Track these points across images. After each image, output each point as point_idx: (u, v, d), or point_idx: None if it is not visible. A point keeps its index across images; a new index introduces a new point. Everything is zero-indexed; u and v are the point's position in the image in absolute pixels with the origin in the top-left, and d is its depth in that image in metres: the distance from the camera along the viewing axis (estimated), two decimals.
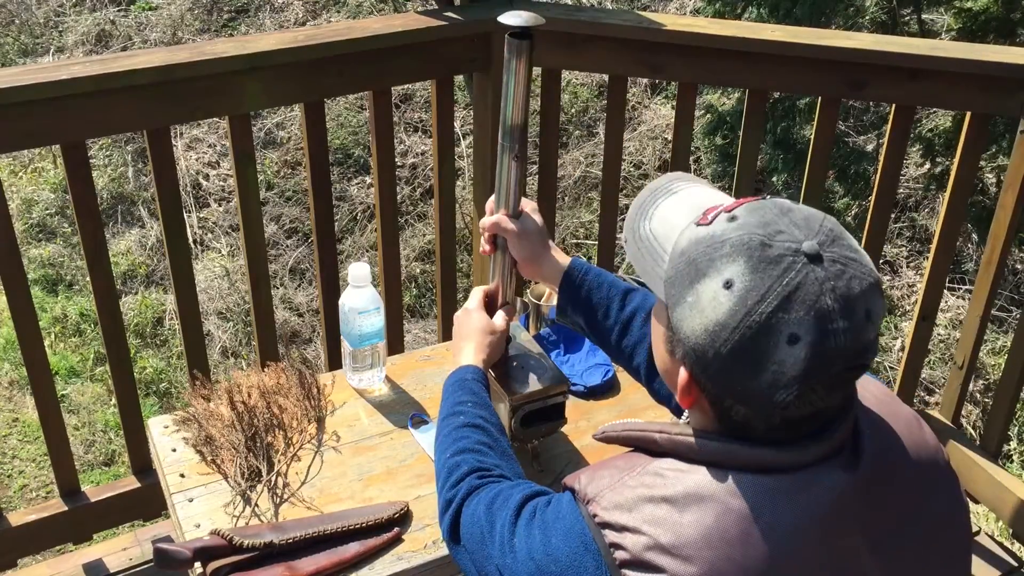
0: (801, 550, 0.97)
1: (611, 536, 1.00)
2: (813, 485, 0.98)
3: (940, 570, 1.07)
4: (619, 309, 1.47)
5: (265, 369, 1.86)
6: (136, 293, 5.12)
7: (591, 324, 1.49)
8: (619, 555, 0.98)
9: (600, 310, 1.47)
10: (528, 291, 2.04)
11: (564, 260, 1.51)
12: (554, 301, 2.00)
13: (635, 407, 1.84)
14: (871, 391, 1.10)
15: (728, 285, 0.94)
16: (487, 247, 1.56)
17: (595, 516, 1.02)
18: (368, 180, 5.66)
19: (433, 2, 2.43)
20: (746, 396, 0.96)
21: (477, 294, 1.60)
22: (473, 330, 1.55)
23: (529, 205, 1.53)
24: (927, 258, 2.51)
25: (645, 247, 1.09)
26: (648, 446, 1.07)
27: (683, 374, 1.01)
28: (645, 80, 5.94)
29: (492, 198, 1.53)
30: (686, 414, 1.13)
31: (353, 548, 1.48)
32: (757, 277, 0.94)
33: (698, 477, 0.99)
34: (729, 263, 0.95)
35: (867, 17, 5.10)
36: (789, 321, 0.92)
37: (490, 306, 1.61)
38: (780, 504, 0.97)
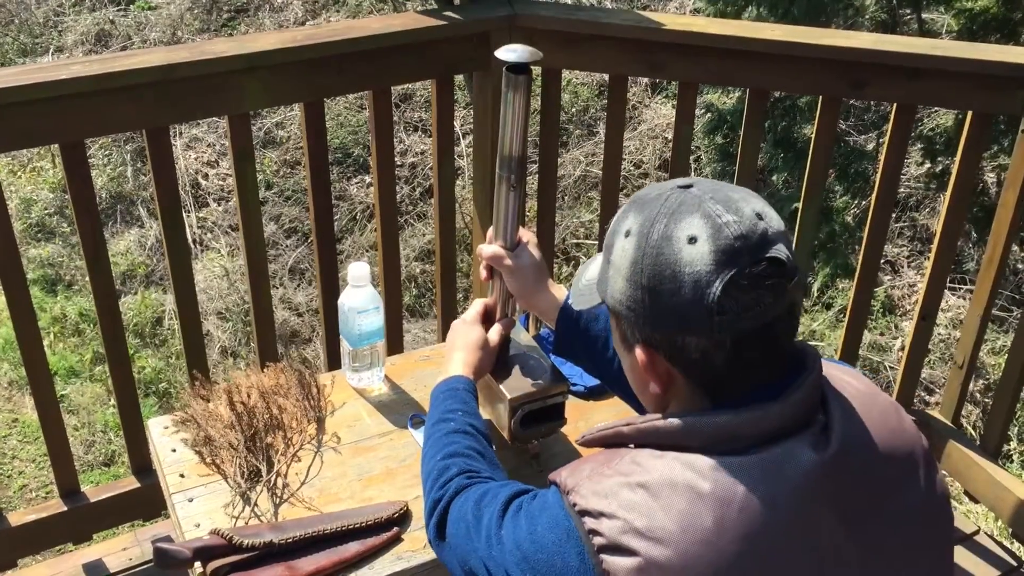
0: (774, 531, 0.99)
1: (589, 523, 1.03)
2: (784, 465, 1.01)
3: (919, 555, 1.09)
4: None
5: (265, 369, 1.86)
6: (136, 293, 5.12)
7: (591, 356, 1.52)
8: (597, 540, 1.01)
9: (599, 341, 1.49)
10: None
11: (560, 295, 1.54)
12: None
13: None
14: (850, 381, 1.13)
15: (627, 234, 1.06)
16: (485, 273, 1.60)
17: (575, 505, 1.05)
18: (368, 180, 5.65)
19: (433, 2, 2.42)
20: (684, 316, 1.01)
21: (477, 307, 1.63)
22: (467, 342, 1.58)
23: (528, 238, 1.57)
24: (928, 258, 2.51)
25: (584, 288, 1.23)
26: (619, 440, 1.11)
27: (639, 353, 1.07)
28: (645, 80, 5.94)
29: (492, 228, 1.57)
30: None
31: (353, 548, 1.48)
32: (645, 213, 1.06)
33: (671, 463, 1.02)
34: (623, 221, 1.09)
35: (867, 16, 5.10)
36: (682, 227, 1.02)
37: (488, 319, 1.64)
38: (751, 485, 1.00)
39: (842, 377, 1.13)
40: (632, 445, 1.10)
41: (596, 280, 1.17)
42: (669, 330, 1.03)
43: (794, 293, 1.04)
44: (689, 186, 1.06)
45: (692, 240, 1.01)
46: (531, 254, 1.55)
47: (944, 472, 2.67)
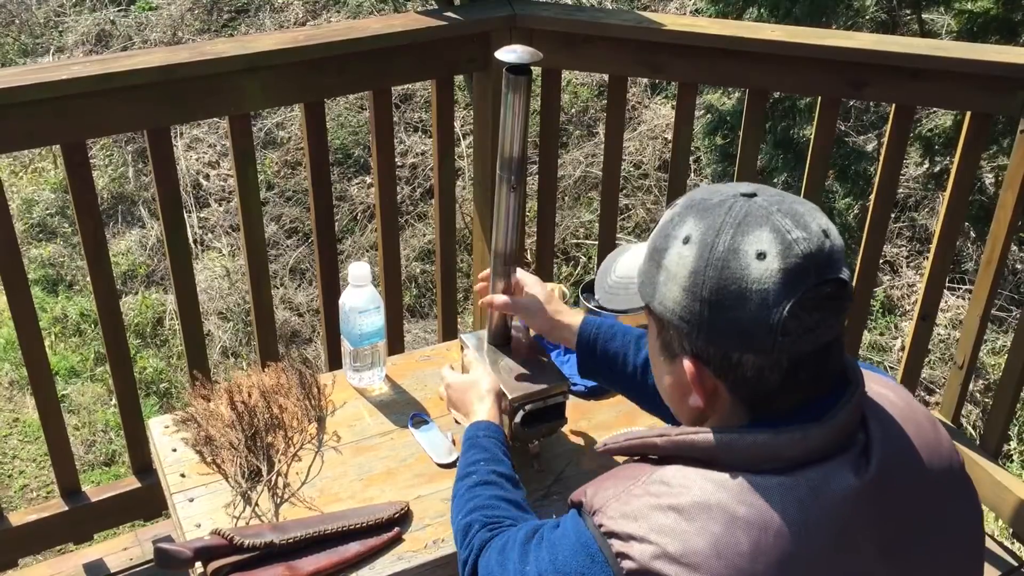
0: (810, 558, 0.96)
1: (617, 545, 0.99)
2: (822, 489, 0.98)
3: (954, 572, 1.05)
4: (635, 352, 1.49)
5: (265, 369, 1.86)
6: (136, 293, 5.12)
7: (613, 374, 1.51)
8: (626, 564, 0.97)
9: (618, 359, 1.49)
10: None
11: (575, 321, 1.54)
12: None
13: (636, 408, 1.84)
14: (887, 395, 1.09)
15: (687, 240, 1.01)
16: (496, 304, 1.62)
17: (601, 526, 1.01)
18: (368, 180, 5.66)
19: (433, 2, 2.43)
20: (745, 333, 0.97)
21: (444, 369, 1.66)
22: (479, 390, 1.57)
23: (529, 280, 1.58)
24: (927, 258, 2.51)
25: (615, 287, 1.19)
26: (650, 452, 1.06)
27: (687, 364, 1.02)
28: (645, 80, 5.93)
29: (489, 268, 1.59)
30: None
31: (353, 548, 1.48)
32: (707, 220, 1.00)
33: (704, 484, 0.98)
34: (681, 226, 1.02)
35: (867, 17, 5.10)
36: (750, 240, 0.97)
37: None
38: (788, 510, 0.96)
39: (880, 391, 1.09)
40: (655, 457, 1.06)
41: (633, 279, 1.11)
42: (726, 346, 0.99)
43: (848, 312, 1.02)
44: (753, 194, 1.01)
45: (761, 256, 0.96)
46: (535, 297, 1.57)
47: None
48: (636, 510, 0.99)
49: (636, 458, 1.10)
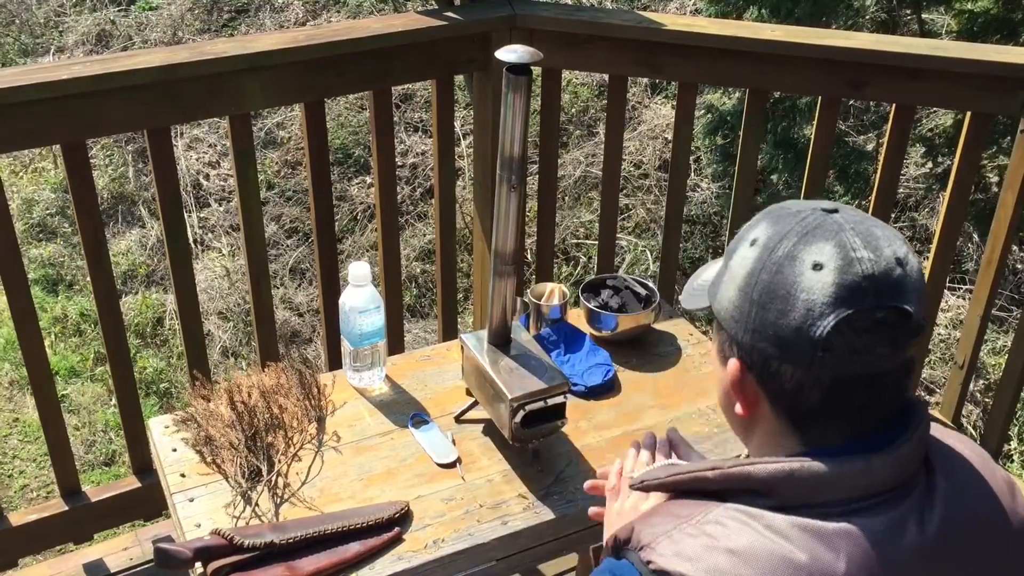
0: None
1: None
2: (885, 539, 0.93)
3: None
4: None
5: (265, 369, 1.86)
6: (136, 293, 5.12)
7: None
8: None
9: None
10: (528, 291, 2.04)
11: None
12: (554, 301, 2.01)
13: (636, 408, 1.84)
14: (960, 450, 1.04)
15: (754, 242, 0.99)
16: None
17: (650, 563, 0.95)
18: (368, 180, 5.65)
19: (433, 2, 2.43)
20: (785, 341, 0.94)
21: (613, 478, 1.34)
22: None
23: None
24: (927, 258, 2.51)
25: (697, 288, 1.13)
26: (701, 486, 1.02)
27: (731, 364, 1.00)
28: (645, 80, 5.93)
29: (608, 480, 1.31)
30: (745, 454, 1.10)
31: (353, 548, 1.48)
32: (777, 226, 0.98)
33: (764, 527, 0.94)
34: (753, 229, 1.00)
35: (867, 17, 5.10)
36: (811, 251, 0.94)
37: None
38: (850, 560, 0.92)
39: (952, 445, 1.04)
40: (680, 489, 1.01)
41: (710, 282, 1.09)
42: (767, 352, 0.96)
43: (912, 350, 0.97)
44: (834, 211, 0.98)
45: (817, 266, 0.93)
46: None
47: None
48: (691, 550, 0.94)
49: (673, 495, 1.05)
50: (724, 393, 1.05)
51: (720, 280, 1.03)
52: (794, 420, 0.98)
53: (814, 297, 0.93)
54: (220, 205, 5.66)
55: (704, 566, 0.92)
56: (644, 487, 1.09)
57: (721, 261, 1.10)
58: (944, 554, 0.96)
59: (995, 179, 4.74)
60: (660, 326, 2.07)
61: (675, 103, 2.48)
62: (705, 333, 2.18)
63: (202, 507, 1.58)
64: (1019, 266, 4.86)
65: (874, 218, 0.99)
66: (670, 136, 4.99)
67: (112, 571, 2.37)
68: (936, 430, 1.04)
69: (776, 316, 0.94)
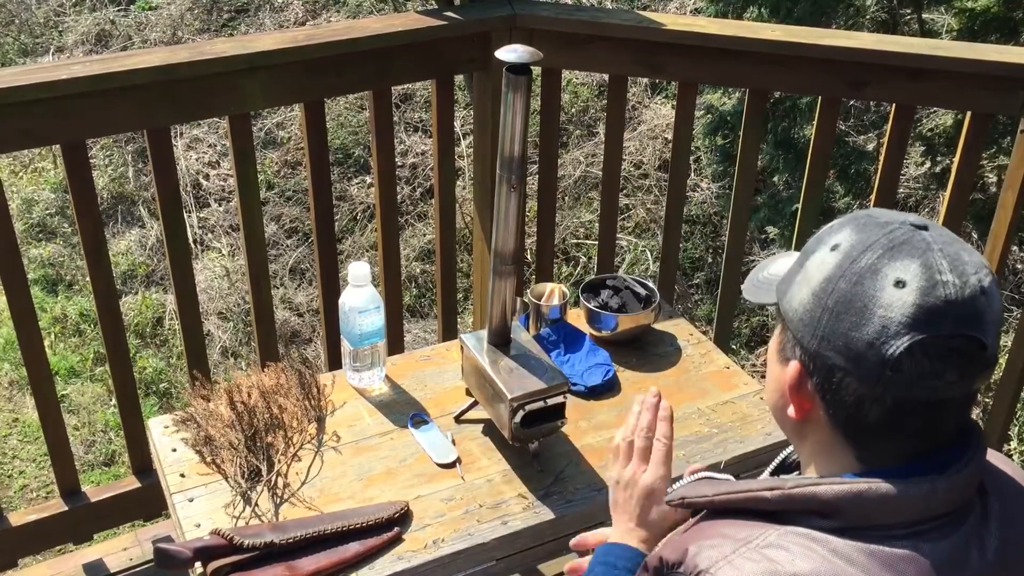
0: None
1: None
2: (945, 567, 0.92)
3: None
4: None
5: (265, 369, 1.86)
6: (136, 293, 5.11)
7: None
8: None
9: None
10: (528, 291, 2.04)
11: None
12: (554, 301, 2.01)
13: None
14: (1007, 473, 1.03)
15: (835, 247, 0.96)
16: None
17: None
18: (368, 180, 5.65)
19: (433, 2, 2.43)
20: (855, 355, 0.92)
21: (622, 450, 1.31)
22: (629, 498, 1.26)
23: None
24: None
25: (762, 282, 1.10)
26: (757, 507, 0.98)
27: (792, 367, 0.97)
28: (645, 80, 5.93)
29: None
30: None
31: (353, 548, 1.48)
32: (862, 235, 0.95)
33: (828, 553, 0.92)
34: (836, 233, 0.97)
35: (867, 17, 5.10)
36: (895, 267, 0.92)
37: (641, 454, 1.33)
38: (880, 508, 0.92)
39: (1000, 467, 1.03)
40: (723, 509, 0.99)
41: (779, 277, 1.07)
42: (833, 361, 0.94)
43: (981, 383, 0.95)
44: (924, 227, 0.95)
45: (900, 284, 0.91)
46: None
47: None
48: (752, 574, 0.91)
49: (716, 515, 1.02)
50: (779, 393, 1.03)
51: (792, 279, 1.00)
52: (849, 433, 0.97)
53: (892, 315, 0.90)
54: (220, 205, 5.66)
55: None
56: (686, 504, 1.05)
57: (791, 256, 1.08)
58: (1006, 574, 0.95)
59: (995, 179, 4.74)
60: (660, 326, 2.07)
61: (675, 103, 2.48)
62: (705, 333, 2.18)
63: (202, 507, 1.58)
64: (1019, 266, 4.86)
65: (964, 242, 0.96)
66: (670, 136, 4.99)
67: (112, 571, 2.37)
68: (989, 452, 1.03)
69: (849, 327, 0.92)
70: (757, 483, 0.99)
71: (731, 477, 1.11)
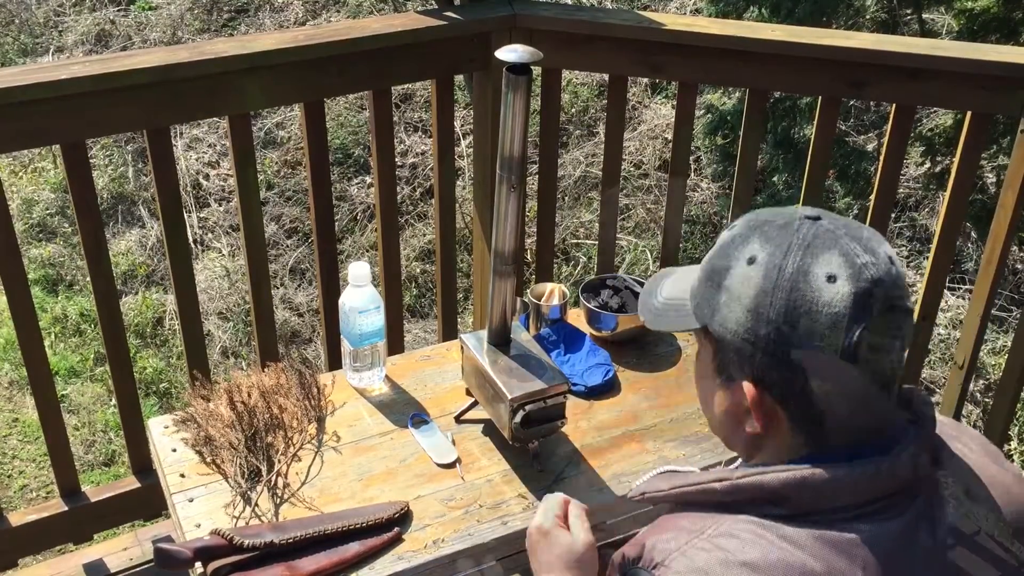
0: None
1: None
2: (897, 546, 0.94)
3: None
4: None
5: (265, 369, 1.86)
6: (136, 293, 5.11)
7: None
8: None
9: None
10: (528, 291, 2.04)
11: None
12: (554, 301, 2.01)
13: (636, 408, 1.84)
14: (970, 447, 1.05)
15: (751, 261, 0.98)
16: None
17: None
18: (368, 180, 5.65)
19: (433, 2, 2.43)
20: (811, 356, 0.94)
21: (552, 506, 1.34)
22: (571, 556, 1.27)
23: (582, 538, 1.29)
24: (927, 258, 2.51)
25: (663, 309, 1.11)
26: (710, 498, 1.01)
27: (748, 388, 0.98)
28: (645, 80, 5.93)
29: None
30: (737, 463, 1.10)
31: (353, 548, 1.48)
32: (774, 242, 0.97)
33: (777, 538, 0.94)
34: (744, 246, 0.99)
35: (868, 17, 5.10)
36: (820, 264, 0.95)
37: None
38: (865, 567, 0.92)
39: (959, 447, 1.05)
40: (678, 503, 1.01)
41: (682, 300, 1.07)
42: (790, 369, 0.95)
43: (910, 339, 0.99)
44: (817, 217, 0.99)
45: (831, 279, 0.94)
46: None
47: None
48: (705, 565, 0.93)
49: (675, 507, 1.04)
50: (729, 412, 1.04)
51: (715, 300, 1.00)
52: (814, 432, 0.98)
53: (837, 310, 0.93)
54: (220, 205, 5.66)
55: None
56: (646, 499, 1.07)
57: (677, 273, 1.09)
58: (958, 553, 0.97)
59: (995, 179, 4.74)
60: None
61: (675, 103, 2.48)
62: None
63: (202, 507, 1.58)
64: (1019, 266, 4.86)
65: (852, 220, 1.01)
66: (670, 136, 4.99)
67: (112, 571, 2.37)
68: (945, 426, 1.04)
69: (800, 333, 0.94)
70: (708, 475, 1.02)
71: (695, 469, 1.12)
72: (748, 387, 0.98)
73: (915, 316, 2.56)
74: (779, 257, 0.96)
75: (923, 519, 0.96)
